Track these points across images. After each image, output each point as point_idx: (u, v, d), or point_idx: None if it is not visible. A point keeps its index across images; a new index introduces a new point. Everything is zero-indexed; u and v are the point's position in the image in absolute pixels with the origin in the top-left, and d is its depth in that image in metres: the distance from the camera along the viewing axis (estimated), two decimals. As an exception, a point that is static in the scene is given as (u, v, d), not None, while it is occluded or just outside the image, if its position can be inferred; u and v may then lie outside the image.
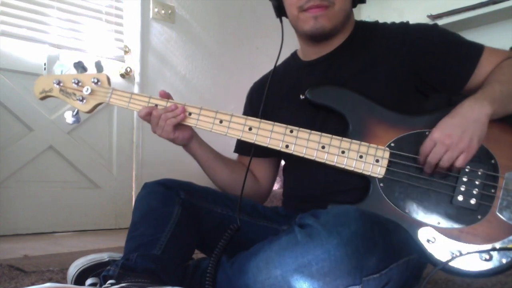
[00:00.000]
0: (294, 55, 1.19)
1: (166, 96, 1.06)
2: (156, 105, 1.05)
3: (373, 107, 0.96)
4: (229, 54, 3.00)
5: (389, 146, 0.93)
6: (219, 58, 2.96)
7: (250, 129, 1.00)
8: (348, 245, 0.73)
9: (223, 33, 2.98)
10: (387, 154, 0.93)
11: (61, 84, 1.11)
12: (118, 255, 1.05)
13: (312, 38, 1.05)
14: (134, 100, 1.07)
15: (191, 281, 0.89)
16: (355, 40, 1.07)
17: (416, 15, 2.86)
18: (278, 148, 0.98)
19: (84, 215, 2.43)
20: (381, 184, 0.92)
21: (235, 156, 1.24)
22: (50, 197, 2.33)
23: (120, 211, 2.53)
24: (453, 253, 0.85)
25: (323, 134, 0.95)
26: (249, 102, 1.24)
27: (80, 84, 1.10)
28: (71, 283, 1.01)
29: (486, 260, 0.84)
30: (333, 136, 0.95)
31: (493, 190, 0.88)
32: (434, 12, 2.83)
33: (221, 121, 1.02)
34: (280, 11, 1.09)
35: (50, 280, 1.16)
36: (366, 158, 0.93)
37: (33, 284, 1.10)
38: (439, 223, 0.88)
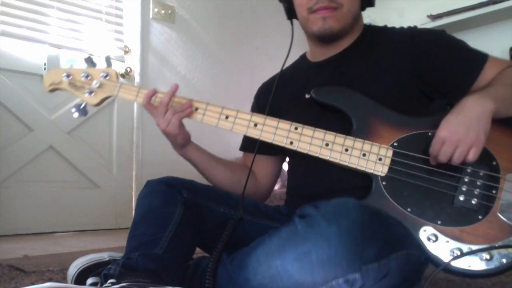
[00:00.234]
0: (303, 57, 1.21)
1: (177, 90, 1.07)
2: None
3: (377, 107, 0.97)
4: (229, 54, 3.00)
5: (392, 146, 0.94)
6: (219, 58, 2.96)
7: (255, 125, 1.02)
8: (348, 233, 0.73)
9: (223, 33, 2.98)
10: (390, 153, 0.93)
11: (71, 78, 1.14)
12: (118, 255, 1.05)
13: (320, 39, 1.07)
14: (141, 94, 1.09)
15: (191, 281, 0.89)
16: (363, 43, 1.09)
17: (416, 15, 2.86)
18: (283, 145, 0.99)
19: (84, 215, 2.43)
20: (384, 183, 0.92)
21: (234, 158, 1.24)
22: (50, 197, 2.33)
23: (120, 211, 2.53)
24: (453, 253, 0.85)
25: (327, 131, 0.96)
26: (257, 102, 1.26)
27: (89, 78, 1.13)
28: (71, 283, 1.00)
29: (486, 260, 0.84)
30: (337, 134, 0.96)
31: (494, 191, 0.88)
32: (434, 12, 2.83)
33: (227, 117, 1.04)
34: (291, 13, 1.11)
35: (50, 280, 1.16)
36: (369, 156, 0.94)
37: (33, 284, 1.10)
38: (440, 222, 0.88)
